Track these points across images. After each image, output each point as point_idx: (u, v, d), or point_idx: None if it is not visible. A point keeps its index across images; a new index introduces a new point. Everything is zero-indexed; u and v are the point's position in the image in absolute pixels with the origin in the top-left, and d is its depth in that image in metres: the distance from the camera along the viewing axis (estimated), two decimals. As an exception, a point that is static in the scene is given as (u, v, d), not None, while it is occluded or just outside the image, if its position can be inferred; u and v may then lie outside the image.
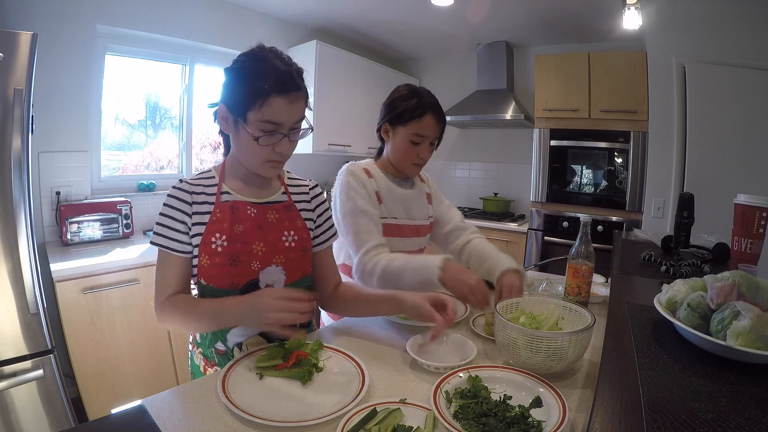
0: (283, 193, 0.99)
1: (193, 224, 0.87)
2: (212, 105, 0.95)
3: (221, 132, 0.97)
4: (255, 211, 0.92)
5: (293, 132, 0.86)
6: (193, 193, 0.88)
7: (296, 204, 0.99)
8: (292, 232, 0.95)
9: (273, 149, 0.85)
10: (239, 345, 0.91)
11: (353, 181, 1.19)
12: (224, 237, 0.87)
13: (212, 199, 0.89)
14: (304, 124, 0.89)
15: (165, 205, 0.87)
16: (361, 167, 1.24)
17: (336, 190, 1.22)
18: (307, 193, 1.03)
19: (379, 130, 1.28)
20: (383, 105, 1.27)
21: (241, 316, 0.83)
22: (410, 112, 1.19)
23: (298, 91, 0.83)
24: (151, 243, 0.88)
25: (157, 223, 0.87)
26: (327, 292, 1.06)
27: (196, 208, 0.88)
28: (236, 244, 0.88)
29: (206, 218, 0.87)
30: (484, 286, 1.02)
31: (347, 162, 1.28)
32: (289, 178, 1.03)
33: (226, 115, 0.85)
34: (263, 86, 0.79)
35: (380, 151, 1.33)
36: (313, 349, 0.86)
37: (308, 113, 0.90)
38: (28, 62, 1.40)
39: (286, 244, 0.94)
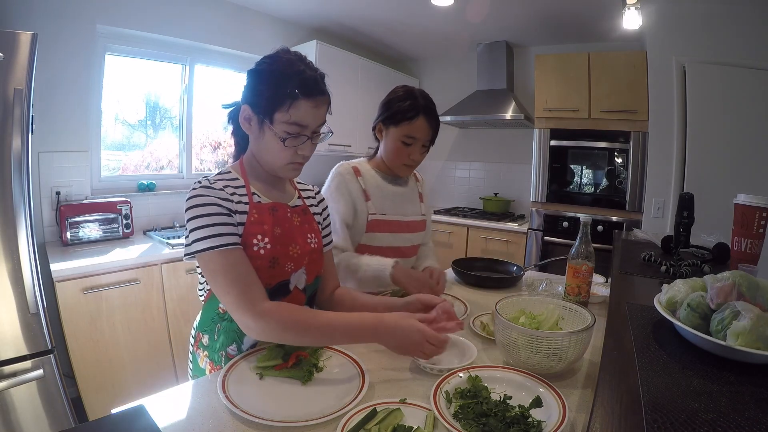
0: (298, 197, 1.01)
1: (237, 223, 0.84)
2: (227, 106, 0.96)
3: (234, 133, 0.98)
4: (290, 213, 0.94)
5: (315, 135, 0.88)
6: (226, 188, 0.85)
7: (309, 208, 1.02)
8: (312, 235, 0.97)
9: (296, 151, 0.86)
10: (253, 346, 0.91)
11: (334, 186, 1.25)
12: (267, 239, 0.86)
13: (245, 199, 0.87)
14: (324, 128, 0.90)
15: (201, 206, 0.79)
16: (350, 166, 1.28)
17: (326, 193, 1.26)
18: (314, 198, 1.07)
19: (374, 129, 1.30)
20: (380, 104, 1.29)
21: (390, 346, 0.81)
22: (402, 113, 1.20)
23: (322, 95, 0.85)
24: (203, 251, 0.78)
25: (200, 227, 0.78)
26: (324, 295, 1.07)
27: (233, 206, 0.84)
28: (277, 246, 0.87)
29: (243, 218, 0.85)
30: (427, 278, 1.18)
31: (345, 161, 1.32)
32: (297, 182, 1.06)
33: (250, 116, 0.86)
34: (292, 89, 0.81)
35: (377, 149, 1.35)
36: (313, 349, 0.86)
37: (329, 117, 0.91)
38: (28, 62, 1.40)
39: (311, 245, 0.96)
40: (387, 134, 1.26)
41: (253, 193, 0.89)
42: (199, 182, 0.84)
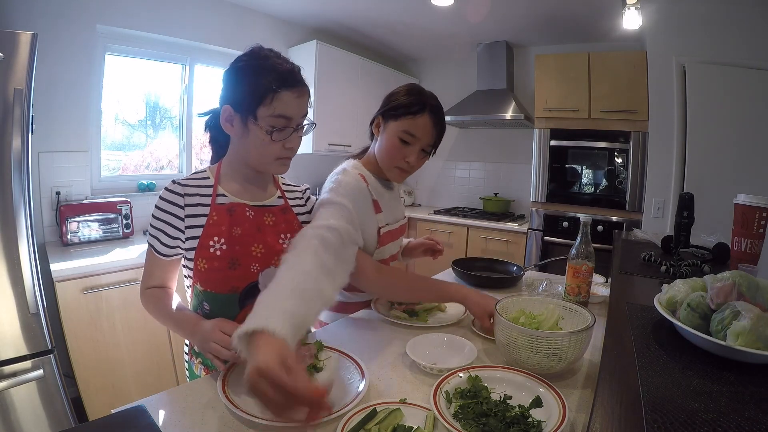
0: (279, 197, 1.00)
1: (187, 227, 0.86)
2: (203, 114, 0.97)
3: (212, 140, 0.99)
4: (253, 213, 0.92)
5: (300, 128, 0.88)
6: (186, 195, 0.87)
7: (292, 207, 1.00)
8: (289, 235, 0.95)
9: (283, 145, 0.86)
10: None
11: (350, 187, 1.05)
12: (223, 240, 0.86)
13: (207, 201, 0.88)
14: (307, 120, 0.90)
15: (156, 207, 0.87)
16: (357, 175, 1.11)
17: (326, 184, 1.10)
18: (301, 197, 1.06)
19: (372, 124, 1.18)
20: (384, 98, 1.16)
21: (193, 340, 0.85)
22: (406, 107, 1.07)
23: (302, 86, 0.86)
24: (148, 241, 0.90)
25: (150, 224, 0.89)
26: None
27: (189, 210, 0.87)
28: (235, 247, 0.87)
29: (202, 221, 0.87)
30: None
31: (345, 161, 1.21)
32: (283, 183, 1.05)
33: (232, 116, 0.85)
34: (273, 81, 0.81)
35: (365, 150, 1.25)
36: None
37: (309, 110, 0.91)
38: (28, 62, 1.40)
39: (284, 245, 0.94)
40: (385, 129, 1.11)
41: (221, 194, 0.90)
42: (173, 182, 0.88)
